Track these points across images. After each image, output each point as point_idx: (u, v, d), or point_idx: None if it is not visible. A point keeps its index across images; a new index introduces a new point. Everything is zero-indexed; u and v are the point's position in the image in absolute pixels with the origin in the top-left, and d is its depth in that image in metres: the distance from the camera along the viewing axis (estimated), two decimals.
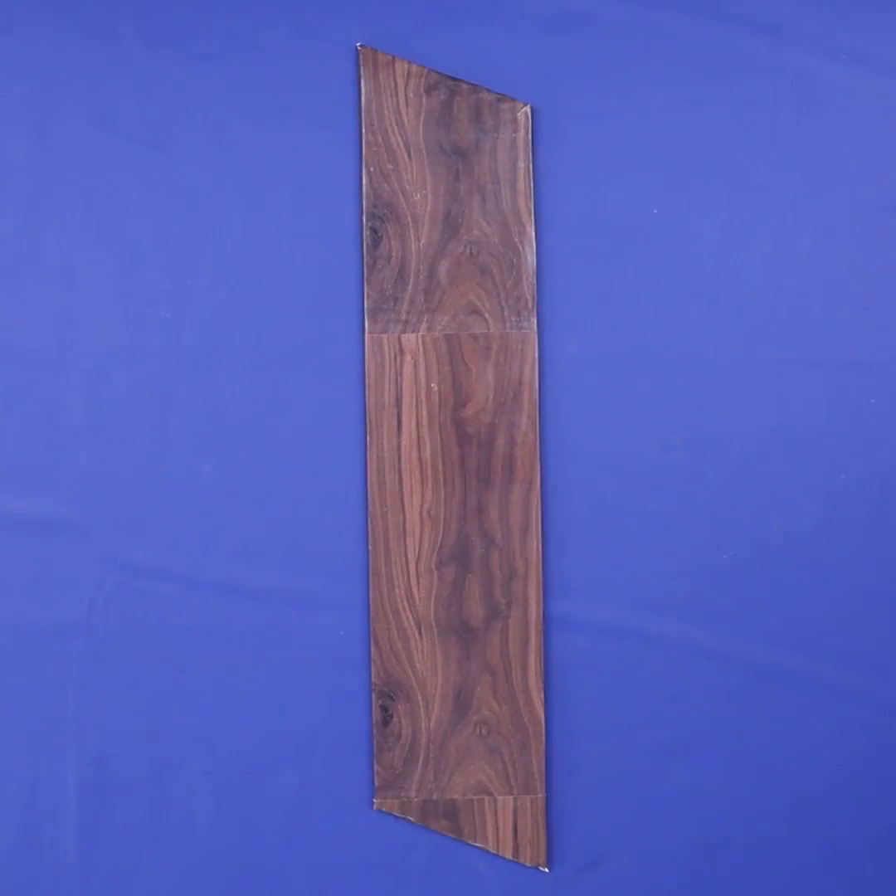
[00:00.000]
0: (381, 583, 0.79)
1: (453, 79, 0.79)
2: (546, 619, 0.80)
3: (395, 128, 0.79)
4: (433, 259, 0.79)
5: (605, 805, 0.80)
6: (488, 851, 0.79)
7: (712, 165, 0.80)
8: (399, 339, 0.79)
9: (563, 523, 0.80)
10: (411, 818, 0.79)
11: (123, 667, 0.79)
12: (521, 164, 0.79)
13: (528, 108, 0.79)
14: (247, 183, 0.80)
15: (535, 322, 0.79)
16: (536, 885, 0.79)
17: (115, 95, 0.80)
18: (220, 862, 0.79)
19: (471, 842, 0.79)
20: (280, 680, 0.79)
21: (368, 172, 0.79)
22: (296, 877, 0.79)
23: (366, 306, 0.79)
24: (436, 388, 0.79)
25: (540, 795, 0.79)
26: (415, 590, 0.79)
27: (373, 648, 0.79)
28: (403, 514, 0.78)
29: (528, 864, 0.79)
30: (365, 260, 0.79)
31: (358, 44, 0.79)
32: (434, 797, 0.79)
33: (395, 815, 0.79)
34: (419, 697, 0.79)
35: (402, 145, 0.79)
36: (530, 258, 0.79)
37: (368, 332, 0.79)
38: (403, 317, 0.79)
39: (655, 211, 0.80)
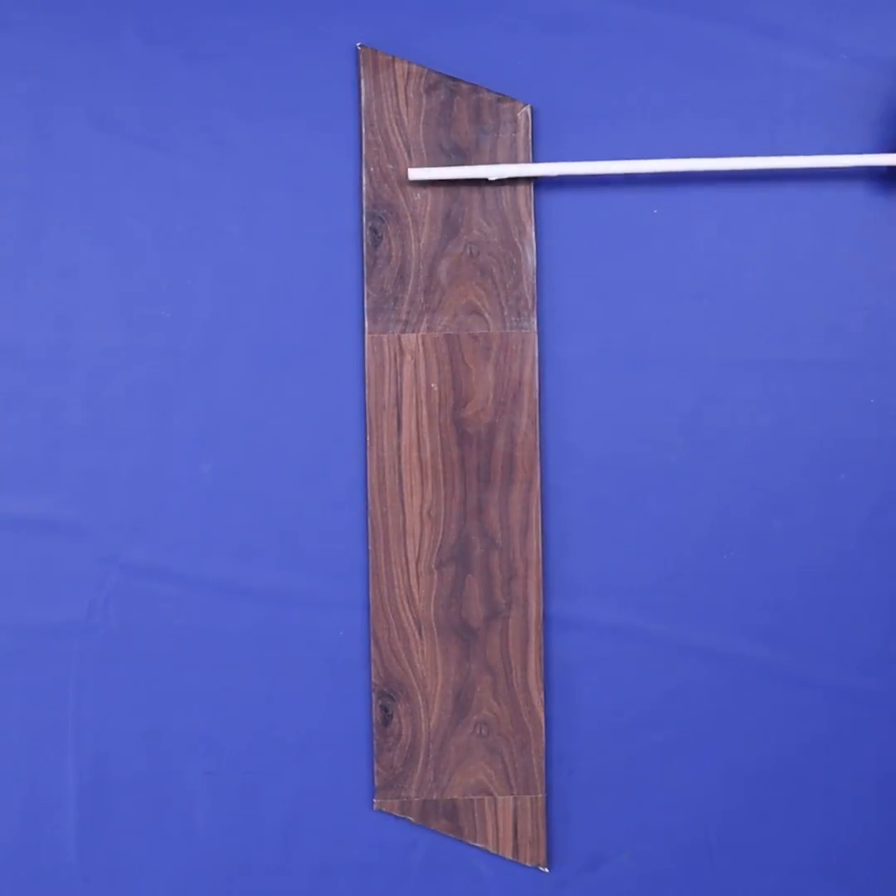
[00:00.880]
0: (381, 583, 0.79)
1: (453, 79, 0.79)
2: (546, 619, 0.80)
3: (395, 128, 0.79)
4: (433, 259, 0.79)
5: (605, 805, 0.80)
6: (488, 851, 0.79)
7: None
8: (399, 339, 0.79)
9: (563, 523, 0.80)
10: (411, 818, 0.79)
11: (123, 667, 0.79)
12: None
13: (528, 108, 0.79)
14: (247, 183, 0.80)
15: (535, 322, 0.79)
16: (536, 885, 0.79)
17: (115, 95, 0.80)
18: (220, 862, 0.79)
19: (471, 842, 0.79)
20: (280, 680, 0.79)
21: (368, 172, 0.79)
22: (296, 877, 0.79)
23: (366, 306, 0.79)
24: (436, 388, 0.79)
25: (540, 795, 0.79)
26: (415, 590, 0.79)
27: (373, 648, 0.79)
28: (403, 514, 0.79)
29: (528, 864, 0.79)
30: (365, 260, 0.79)
31: (358, 44, 0.79)
32: (434, 797, 0.79)
33: (395, 815, 0.79)
34: (419, 697, 0.79)
35: (402, 145, 0.79)
36: (530, 258, 0.79)
37: (368, 332, 0.79)
38: (403, 317, 0.79)
39: (655, 211, 0.80)
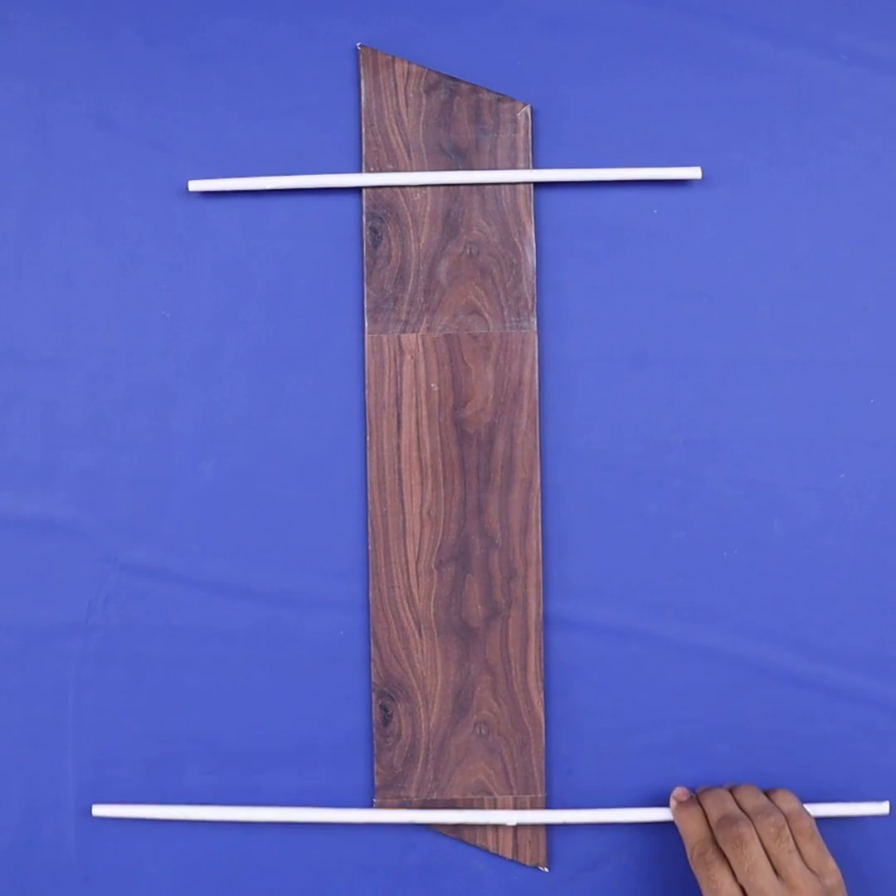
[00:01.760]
0: (381, 583, 0.79)
1: (453, 79, 0.79)
2: (546, 618, 0.80)
3: (395, 128, 0.79)
4: (433, 259, 0.79)
5: (606, 805, 0.80)
6: (488, 851, 0.79)
7: (712, 165, 0.80)
8: (399, 339, 0.79)
9: (563, 523, 0.80)
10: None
11: (123, 667, 0.79)
12: (521, 164, 0.79)
13: (528, 108, 0.79)
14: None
15: (535, 322, 0.79)
16: (536, 885, 0.79)
17: (115, 95, 0.80)
18: (220, 862, 0.79)
19: (470, 842, 0.79)
20: (280, 680, 0.79)
21: (368, 172, 0.79)
22: (296, 877, 0.79)
23: (365, 306, 0.79)
24: (436, 388, 0.79)
25: (540, 795, 0.79)
26: (414, 590, 0.79)
27: (372, 648, 0.79)
28: (403, 513, 0.79)
29: (527, 864, 0.79)
30: (365, 260, 0.79)
31: (358, 44, 0.79)
32: (434, 797, 0.79)
33: None
34: (419, 697, 0.79)
35: (401, 145, 0.79)
36: (530, 258, 0.79)
37: (368, 332, 0.79)
38: (403, 317, 0.79)
39: (655, 211, 0.80)
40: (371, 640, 0.79)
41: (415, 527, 0.79)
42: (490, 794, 0.79)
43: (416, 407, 0.79)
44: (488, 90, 0.79)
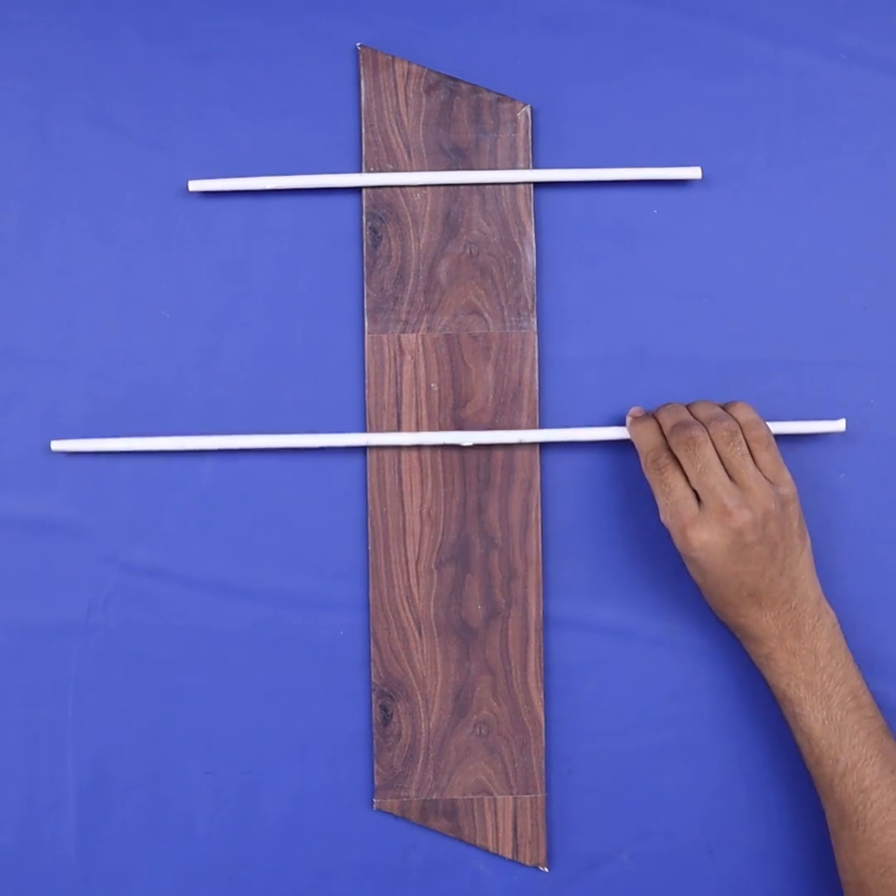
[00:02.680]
0: (381, 583, 0.79)
1: (453, 79, 0.79)
2: (546, 619, 0.80)
3: (395, 128, 0.79)
4: (433, 259, 0.79)
5: (605, 805, 0.80)
6: (488, 851, 0.79)
7: (712, 165, 0.80)
8: (399, 339, 0.79)
9: (562, 523, 0.80)
10: (411, 818, 0.79)
11: (123, 667, 0.79)
12: (521, 164, 0.79)
13: (527, 108, 0.79)
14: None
15: (535, 322, 0.79)
16: (536, 885, 0.79)
17: (115, 95, 0.80)
18: (220, 862, 0.79)
19: (470, 842, 0.79)
20: (280, 680, 0.79)
21: (368, 172, 0.79)
22: (296, 877, 0.80)
23: (365, 306, 0.79)
24: (436, 388, 0.79)
25: (540, 795, 0.79)
26: (414, 590, 0.79)
27: (372, 648, 0.79)
28: (403, 513, 0.79)
29: (527, 863, 0.79)
30: (364, 260, 0.79)
31: (358, 44, 0.79)
32: (434, 797, 0.79)
33: (395, 815, 0.79)
34: (419, 697, 0.79)
35: (401, 145, 0.79)
36: (530, 258, 0.79)
37: (368, 332, 0.79)
38: (403, 317, 0.79)
39: (655, 211, 0.80)
40: (371, 640, 0.79)
41: (415, 527, 0.79)
42: (490, 794, 0.79)
43: (416, 407, 0.79)
44: (488, 90, 0.79)
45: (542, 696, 0.79)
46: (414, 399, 0.79)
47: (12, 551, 0.79)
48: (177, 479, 0.79)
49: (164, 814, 0.79)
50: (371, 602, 0.79)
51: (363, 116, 0.79)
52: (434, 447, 0.79)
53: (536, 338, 0.79)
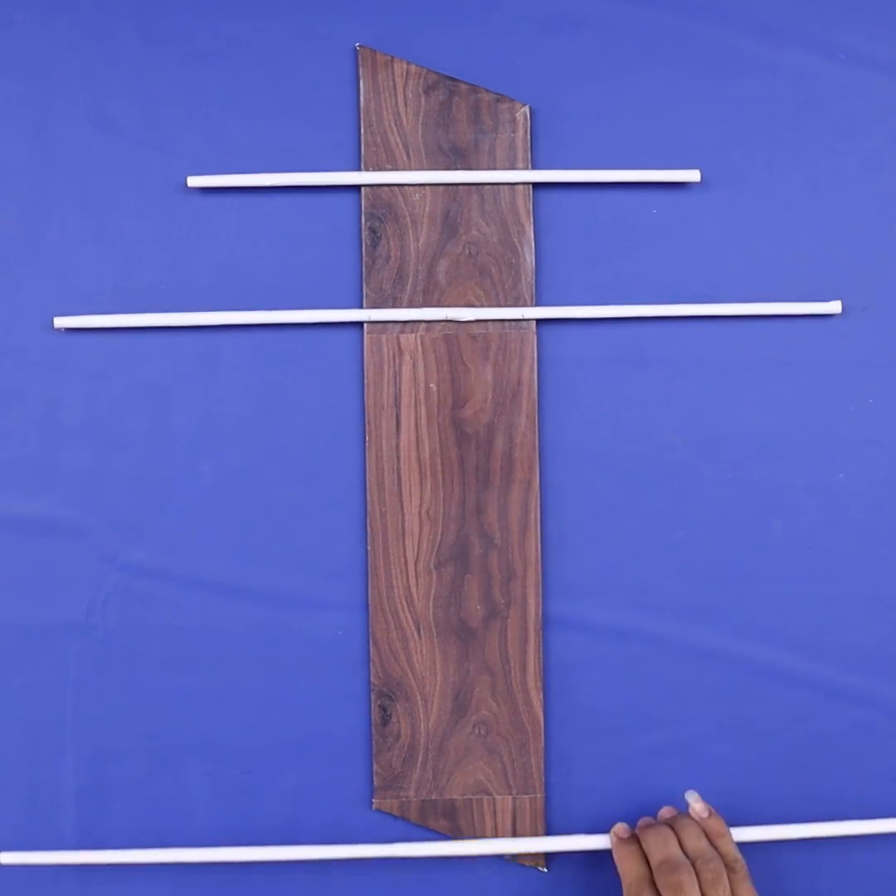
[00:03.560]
0: (380, 583, 0.79)
1: (452, 79, 0.79)
2: (545, 619, 0.80)
3: (394, 128, 0.79)
4: (432, 259, 0.79)
5: (605, 805, 0.80)
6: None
7: (711, 166, 0.80)
8: (398, 339, 0.79)
9: (562, 523, 0.80)
10: (410, 818, 0.79)
11: (123, 667, 0.79)
12: (520, 165, 0.79)
13: (526, 109, 0.79)
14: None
15: (534, 322, 0.79)
16: (536, 885, 0.79)
17: (115, 95, 0.80)
18: (220, 862, 0.79)
19: None
20: (279, 680, 0.79)
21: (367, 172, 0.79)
22: (295, 877, 0.79)
23: (364, 306, 0.79)
24: (435, 389, 0.79)
25: (539, 795, 0.79)
26: (413, 590, 0.79)
27: (372, 648, 0.79)
28: (402, 514, 0.79)
29: (527, 864, 0.79)
30: (364, 260, 0.79)
31: (357, 44, 0.79)
32: (433, 797, 0.79)
33: (394, 816, 0.79)
34: (418, 697, 0.79)
35: (400, 145, 0.79)
36: (529, 258, 0.79)
37: (367, 333, 0.79)
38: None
39: (654, 211, 0.80)
40: (370, 641, 0.79)
41: (414, 527, 0.79)
42: (489, 794, 0.79)
43: (415, 407, 0.79)
44: (487, 90, 0.79)
45: (541, 696, 0.79)
46: (413, 399, 0.79)
47: (12, 551, 0.79)
48: (177, 479, 0.79)
49: (164, 814, 0.79)
50: (370, 602, 0.79)
51: (362, 116, 0.79)
52: (432, 442, 0.79)
53: (535, 338, 0.79)
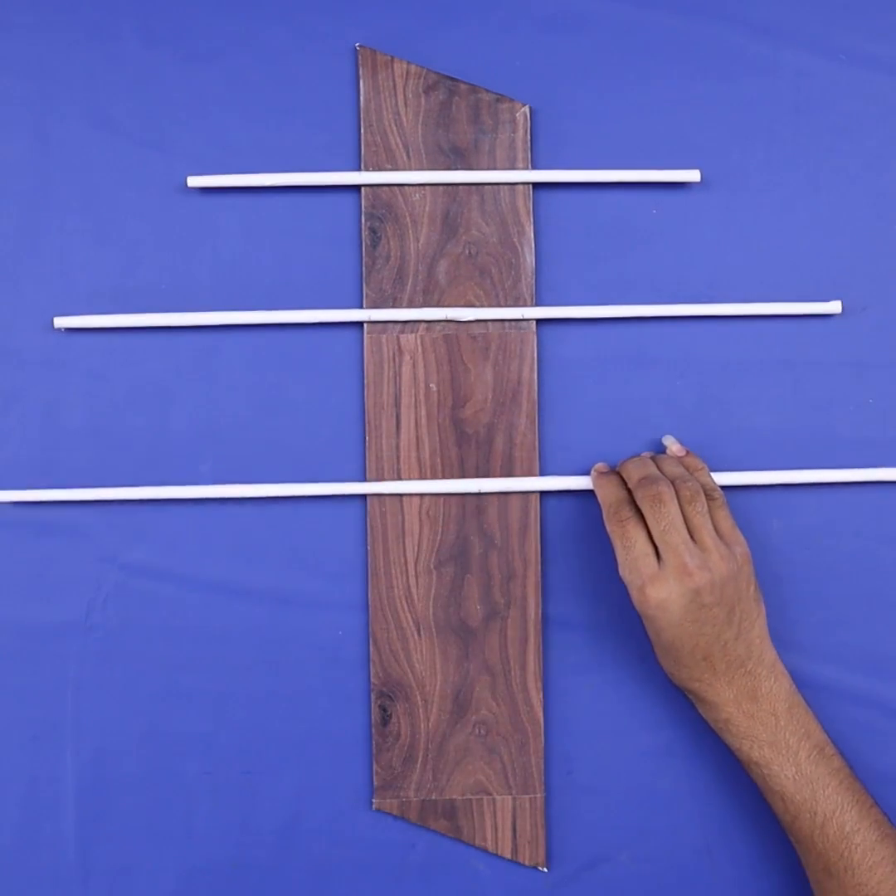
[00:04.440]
0: (380, 583, 0.79)
1: (452, 79, 0.79)
2: (545, 619, 0.80)
3: (394, 128, 0.79)
4: (432, 259, 0.79)
5: (605, 805, 0.80)
6: (487, 851, 0.79)
7: (711, 166, 0.80)
8: (398, 339, 0.79)
9: (562, 523, 0.80)
10: (410, 818, 0.79)
11: (123, 667, 0.79)
12: (520, 165, 0.79)
13: (526, 109, 0.79)
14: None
15: (534, 322, 0.79)
16: (535, 885, 0.79)
17: (115, 95, 0.80)
18: (220, 862, 0.79)
19: (470, 842, 0.79)
20: (279, 680, 0.79)
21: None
22: (295, 877, 0.80)
23: (364, 306, 0.79)
24: (435, 389, 0.79)
25: (539, 795, 0.79)
26: (413, 590, 0.79)
27: (371, 648, 0.79)
28: (402, 514, 0.78)
29: (527, 864, 0.79)
30: (364, 260, 0.79)
31: (357, 44, 0.79)
32: (433, 797, 0.79)
33: (394, 816, 0.79)
34: (418, 697, 0.79)
35: (400, 146, 0.79)
36: (529, 258, 0.79)
37: (367, 333, 0.79)
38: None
39: (654, 211, 0.80)
40: (370, 641, 0.79)
41: (414, 527, 0.79)
42: (489, 794, 0.79)
43: (416, 407, 0.79)
44: (487, 90, 0.79)
45: (541, 696, 0.79)
46: (413, 399, 0.79)
47: (12, 551, 0.79)
48: (176, 479, 0.79)
49: (163, 814, 0.79)
50: (370, 602, 0.79)
51: (362, 117, 0.79)
52: (432, 442, 0.79)
53: (535, 338, 0.79)
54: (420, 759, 0.79)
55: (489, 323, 0.79)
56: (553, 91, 0.80)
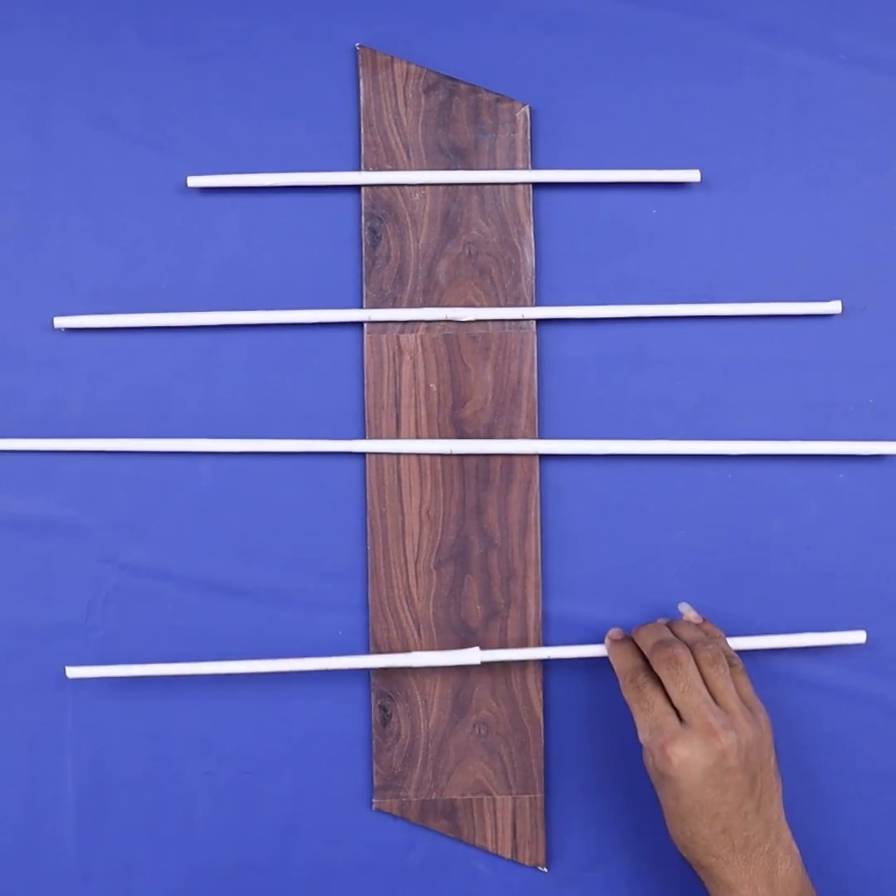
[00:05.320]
0: (380, 583, 0.79)
1: (452, 79, 0.79)
2: (545, 619, 0.80)
3: (394, 128, 0.79)
4: (432, 259, 0.79)
5: (605, 805, 0.80)
6: (487, 851, 0.79)
7: (711, 166, 0.80)
8: (398, 339, 0.79)
9: (562, 523, 0.80)
10: (410, 818, 0.79)
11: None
12: (520, 165, 0.79)
13: (527, 109, 0.79)
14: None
15: (534, 322, 0.79)
16: (535, 885, 0.79)
17: (115, 95, 0.80)
18: (220, 862, 0.79)
19: (470, 842, 0.79)
20: (279, 680, 0.79)
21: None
22: (295, 876, 0.80)
23: (364, 306, 0.79)
24: (435, 389, 0.79)
25: (539, 795, 0.79)
26: (413, 590, 0.79)
27: (372, 648, 0.79)
28: (402, 514, 0.78)
29: (526, 864, 0.79)
30: (364, 260, 0.79)
31: (357, 44, 0.79)
32: (433, 797, 0.79)
33: (394, 816, 0.79)
34: (418, 697, 0.79)
35: (400, 145, 0.79)
36: (529, 258, 0.79)
37: (367, 333, 0.79)
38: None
39: (654, 211, 0.80)
40: (370, 641, 0.79)
41: (414, 527, 0.79)
42: (489, 794, 0.79)
43: (416, 407, 0.79)
44: (487, 90, 0.79)
45: (541, 696, 0.79)
46: (413, 399, 0.79)
47: (12, 551, 0.79)
48: (176, 479, 0.79)
49: (163, 814, 0.79)
50: (370, 602, 0.79)
51: (362, 117, 0.79)
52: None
53: (535, 338, 0.79)
54: (420, 759, 0.79)
55: (489, 323, 0.79)
56: (553, 91, 0.80)
